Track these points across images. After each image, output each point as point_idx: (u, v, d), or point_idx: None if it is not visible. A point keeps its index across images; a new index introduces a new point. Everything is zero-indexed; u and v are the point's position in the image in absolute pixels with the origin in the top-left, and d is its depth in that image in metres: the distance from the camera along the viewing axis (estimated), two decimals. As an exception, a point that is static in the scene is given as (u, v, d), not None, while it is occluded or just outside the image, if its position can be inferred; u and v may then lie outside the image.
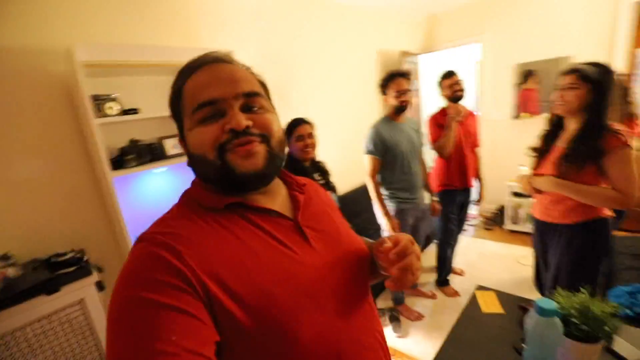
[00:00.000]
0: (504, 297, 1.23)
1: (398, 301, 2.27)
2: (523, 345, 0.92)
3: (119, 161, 1.52)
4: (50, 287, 1.20)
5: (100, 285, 1.38)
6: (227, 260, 0.45)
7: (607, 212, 1.39)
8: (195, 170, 0.56)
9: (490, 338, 1.06)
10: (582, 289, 0.93)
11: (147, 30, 1.72)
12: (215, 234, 0.48)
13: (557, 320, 0.82)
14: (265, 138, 0.52)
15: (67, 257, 1.34)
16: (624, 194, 1.26)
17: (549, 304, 0.82)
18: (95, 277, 1.34)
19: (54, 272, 1.26)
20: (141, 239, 0.46)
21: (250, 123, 0.50)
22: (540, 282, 1.79)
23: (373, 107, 3.23)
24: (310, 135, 1.62)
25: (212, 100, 0.49)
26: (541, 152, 1.51)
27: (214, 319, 0.41)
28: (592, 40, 2.87)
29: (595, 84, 1.29)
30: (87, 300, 1.31)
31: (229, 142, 0.49)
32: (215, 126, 0.49)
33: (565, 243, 1.42)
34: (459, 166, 2.26)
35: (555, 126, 1.48)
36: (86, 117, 1.35)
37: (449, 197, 2.30)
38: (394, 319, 2.15)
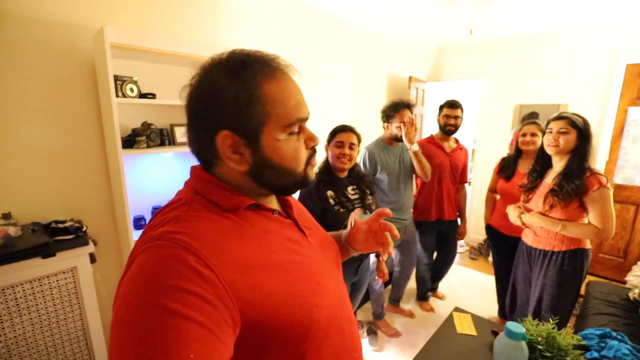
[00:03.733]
0: (478, 321, 1.30)
1: (378, 316, 2.31)
2: (490, 365, 0.98)
3: (130, 141, 1.58)
4: (47, 251, 1.24)
5: (92, 257, 1.41)
6: (252, 260, 0.47)
7: (589, 244, 1.58)
8: (262, 177, 0.53)
9: (461, 357, 1.11)
10: (551, 319, 1.00)
11: (173, 20, 1.80)
12: (237, 234, 0.49)
13: (523, 344, 0.88)
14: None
15: (67, 224, 1.38)
16: (601, 229, 1.45)
17: (518, 327, 0.88)
18: (91, 247, 1.37)
19: (53, 237, 1.30)
20: (159, 238, 0.42)
21: None
22: (513, 309, 1.87)
23: (379, 126, 3.33)
24: (352, 147, 1.55)
25: (305, 119, 0.55)
26: (530, 188, 1.68)
27: (240, 318, 0.42)
28: (588, 93, 3.02)
29: (581, 130, 1.49)
30: (79, 269, 1.34)
31: (312, 158, 0.57)
32: (302, 143, 0.55)
33: (552, 267, 1.59)
34: (435, 199, 2.32)
35: (543, 165, 1.66)
36: (107, 95, 1.41)
37: (422, 228, 2.37)
38: (371, 332, 2.19)
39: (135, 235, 1.59)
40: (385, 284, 2.43)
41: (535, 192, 1.65)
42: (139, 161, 1.74)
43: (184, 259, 0.40)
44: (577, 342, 0.92)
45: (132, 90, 1.55)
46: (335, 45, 2.76)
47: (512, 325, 0.89)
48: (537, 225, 1.60)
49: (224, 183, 0.53)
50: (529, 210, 1.65)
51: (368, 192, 1.64)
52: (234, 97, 0.48)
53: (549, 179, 1.60)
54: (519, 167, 2.06)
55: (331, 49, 2.73)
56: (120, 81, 1.51)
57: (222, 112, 0.49)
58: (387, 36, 3.28)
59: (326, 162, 1.62)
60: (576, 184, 1.46)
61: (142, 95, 1.60)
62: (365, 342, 2.15)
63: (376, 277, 1.88)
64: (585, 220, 1.54)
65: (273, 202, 0.62)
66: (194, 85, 0.51)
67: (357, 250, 0.77)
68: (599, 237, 1.48)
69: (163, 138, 1.71)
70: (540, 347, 0.92)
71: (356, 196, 1.60)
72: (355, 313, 2.37)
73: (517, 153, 2.09)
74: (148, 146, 1.62)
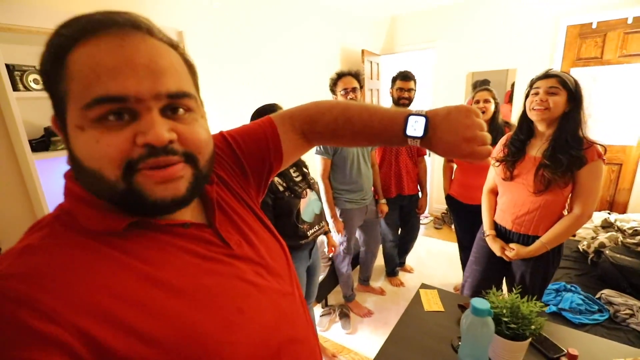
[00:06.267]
0: (445, 295, 1.28)
1: (348, 298, 2.30)
2: (459, 342, 0.96)
3: (45, 143, 1.35)
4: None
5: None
6: (133, 298, 0.36)
7: None
8: (81, 182, 0.39)
9: (430, 335, 1.09)
10: (514, 290, 0.98)
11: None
12: (113, 265, 0.37)
13: (489, 319, 0.85)
14: (192, 158, 0.40)
15: (-29, 250, 1.15)
16: (581, 214, 1.27)
17: (483, 304, 0.85)
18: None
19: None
20: None
21: (174, 137, 0.37)
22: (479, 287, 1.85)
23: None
24: None
25: (121, 97, 0.34)
26: (512, 162, 1.41)
27: None
28: (534, 57, 3.10)
29: (572, 92, 1.25)
30: None
31: (142, 161, 0.36)
32: (123, 135, 0.35)
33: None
34: (394, 175, 2.30)
35: (528, 134, 1.40)
36: (1, 90, 1.17)
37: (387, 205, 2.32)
38: (344, 316, 2.17)
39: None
40: (353, 265, 2.40)
41: (522, 167, 1.38)
42: (60, 165, 1.50)
43: (12, 316, 0.30)
44: (540, 308, 0.92)
45: (37, 82, 1.30)
46: (284, 21, 2.56)
47: (477, 302, 0.85)
48: (527, 256, 1.38)
49: (94, 195, 0.38)
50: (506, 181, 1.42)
51: (307, 170, 1.59)
52: (46, 70, 0.37)
53: (534, 151, 1.35)
54: None
55: (281, 24, 2.53)
56: (19, 72, 1.26)
57: (48, 92, 0.38)
58: (339, 6, 3.12)
59: None
60: (573, 155, 1.23)
61: (52, 88, 1.36)
62: (338, 326, 2.14)
63: (326, 252, 1.91)
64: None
65: (185, 212, 0.45)
66: None
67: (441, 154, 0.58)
68: (580, 225, 1.30)
69: (87, 136, 1.48)
70: (505, 319, 0.90)
71: (299, 178, 1.52)
72: (325, 298, 2.34)
73: None
74: (68, 147, 1.39)
